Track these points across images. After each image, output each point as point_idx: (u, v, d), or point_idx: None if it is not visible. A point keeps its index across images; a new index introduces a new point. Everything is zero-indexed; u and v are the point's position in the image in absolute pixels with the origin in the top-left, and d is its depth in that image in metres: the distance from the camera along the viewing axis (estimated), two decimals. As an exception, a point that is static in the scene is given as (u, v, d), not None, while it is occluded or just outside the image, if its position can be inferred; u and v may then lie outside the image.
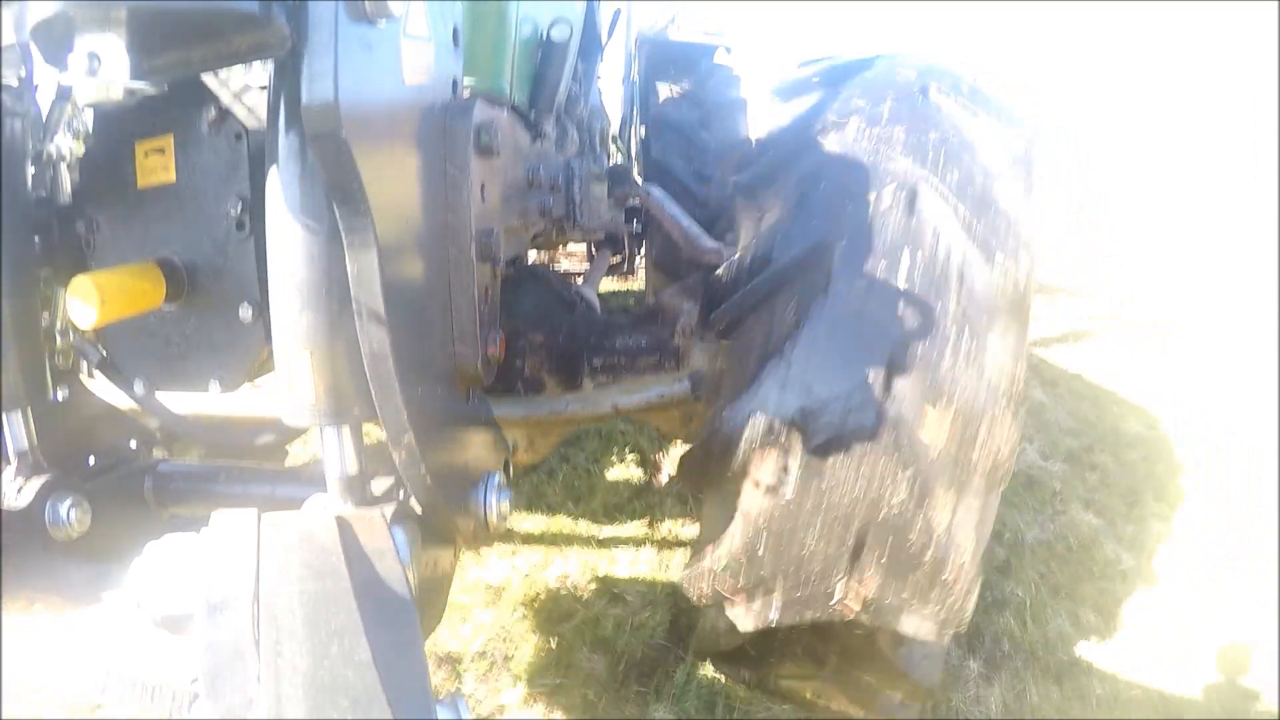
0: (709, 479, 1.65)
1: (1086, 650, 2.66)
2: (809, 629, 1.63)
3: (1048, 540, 3.28)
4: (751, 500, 1.54)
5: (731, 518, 1.58)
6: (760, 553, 1.53)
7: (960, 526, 1.44)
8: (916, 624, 1.49)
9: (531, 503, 3.58)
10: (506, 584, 2.98)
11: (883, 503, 1.43)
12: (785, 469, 1.49)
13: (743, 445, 1.52)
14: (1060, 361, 5.50)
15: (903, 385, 1.42)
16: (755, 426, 1.51)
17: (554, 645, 2.63)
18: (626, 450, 4.05)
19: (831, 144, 1.65)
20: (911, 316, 1.43)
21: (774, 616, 1.57)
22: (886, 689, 1.74)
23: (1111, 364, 5.47)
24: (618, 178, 2.42)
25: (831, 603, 1.49)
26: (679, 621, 2.72)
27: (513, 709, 2.39)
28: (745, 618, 1.63)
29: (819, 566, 1.49)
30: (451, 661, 2.57)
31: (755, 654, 1.87)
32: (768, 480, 1.52)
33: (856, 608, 1.48)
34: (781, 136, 1.77)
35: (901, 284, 1.45)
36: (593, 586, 2.98)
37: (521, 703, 2.40)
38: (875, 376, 1.42)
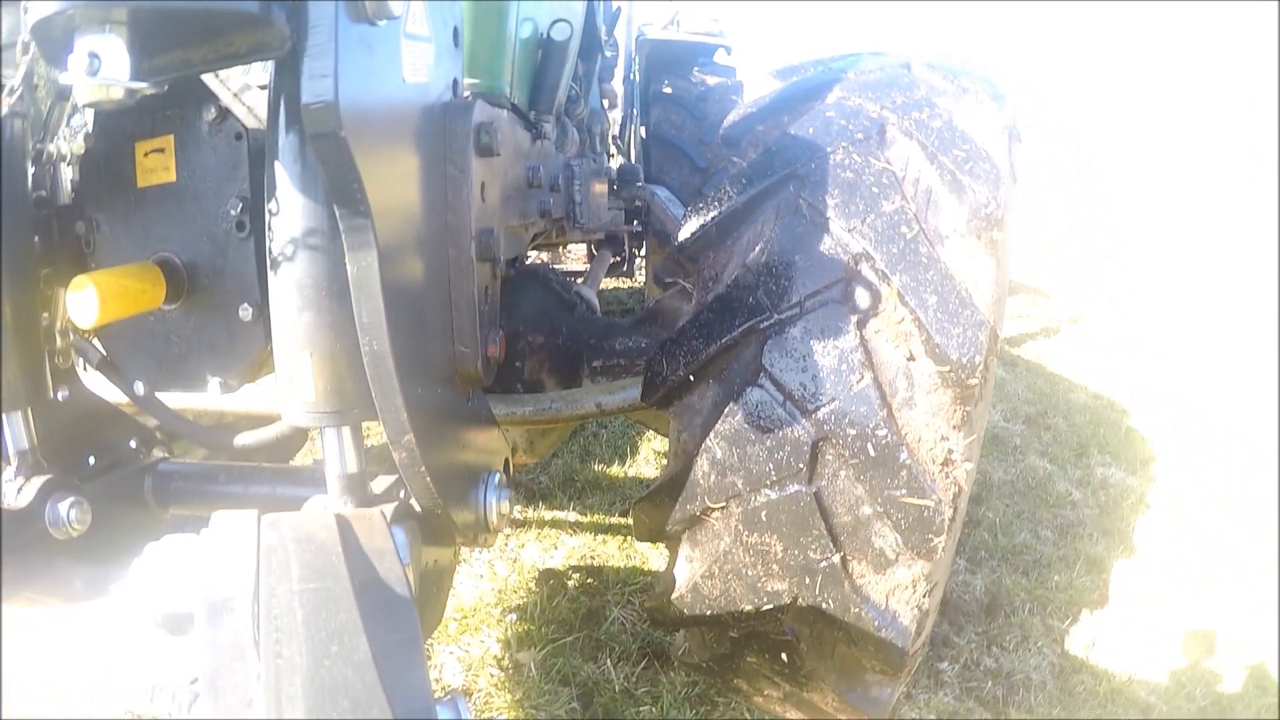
0: (672, 394, 1.64)
1: (1045, 554, 3.40)
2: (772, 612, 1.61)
3: (1011, 480, 4.04)
4: (709, 409, 1.55)
5: (695, 429, 1.58)
6: (720, 458, 1.52)
7: (928, 429, 1.45)
8: (888, 541, 1.47)
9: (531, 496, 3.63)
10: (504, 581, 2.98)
11: (845, 407, 1.44)
12: (747, 374, 1.51)
13: (707, 349, 1.54)
14: (1022, 350, 6.49)
15: (864, 291, 1.47)
16: (718, 331, 1.53)
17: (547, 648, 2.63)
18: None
19: (814, 100, 1.72)
20: (876, 231, 1.48)
21: (727, 545, 1.55)
22: (856, 664, 1.65)
23: (1068, 352, 6.45)
24: (626, 177, 2.41)
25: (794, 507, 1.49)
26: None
27: (511, 701, 2.39)
28: (697, 551, 1.62)
29: (776, 471, 1.48)
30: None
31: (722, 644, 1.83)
32: (726, 387, 1.54)
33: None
34: (769, 98, 1.82)
35: (866, 203, 1.51)
36: (590, 581, 2.98)
37: (522, 696, 2.40)
38: (837, 282, 1.47)
